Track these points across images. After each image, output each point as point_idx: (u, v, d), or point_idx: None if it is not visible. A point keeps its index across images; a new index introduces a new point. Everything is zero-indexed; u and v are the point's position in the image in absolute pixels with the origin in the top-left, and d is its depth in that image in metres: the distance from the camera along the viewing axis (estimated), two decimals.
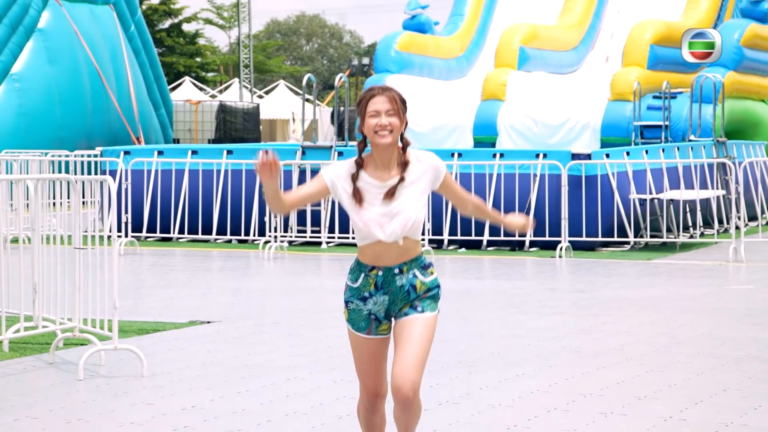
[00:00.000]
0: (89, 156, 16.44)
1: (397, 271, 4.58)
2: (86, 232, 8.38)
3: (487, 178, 15.19)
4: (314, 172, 15.78)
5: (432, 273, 4.64)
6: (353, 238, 15.35)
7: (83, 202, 9.12)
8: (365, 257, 4.60)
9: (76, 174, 14.70)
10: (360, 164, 4.55)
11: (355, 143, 21.12)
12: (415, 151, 4.62)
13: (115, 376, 7.27)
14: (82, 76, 25.14)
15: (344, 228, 15.46)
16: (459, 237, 15.17)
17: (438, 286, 4.66)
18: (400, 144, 4.61)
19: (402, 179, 4.54)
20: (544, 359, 7.87)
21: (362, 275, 4.60)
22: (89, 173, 15.13)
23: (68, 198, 8.57)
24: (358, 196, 4.52)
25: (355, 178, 4.53)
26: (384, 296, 4.59)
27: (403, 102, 4.61)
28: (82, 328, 7.84)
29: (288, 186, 15.79)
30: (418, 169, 4.58)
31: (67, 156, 16.38)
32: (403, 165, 4.55)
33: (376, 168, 4.56)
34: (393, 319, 4.66)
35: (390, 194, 4.51)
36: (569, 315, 10.07)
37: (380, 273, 4.57)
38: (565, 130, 19.55)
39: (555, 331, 9.07)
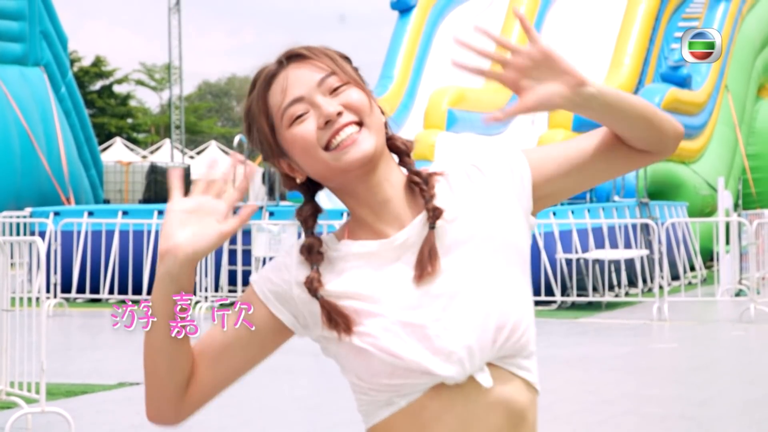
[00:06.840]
0: (18, 217, 16.32)
1: None
2: (14, 293, 8.33)
3: None
4: (246, 232, 15.79)
5: None
6: None
7: (11, 264, 9.07)
8: None
9: (4, 235, 14.57)
10: (316, 249, 1.91)
11: (287, 204, 20.99)
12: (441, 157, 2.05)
13: None
14: (11, 136, 24.95)
15: None
16: None
17: None
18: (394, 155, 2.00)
19: (434, 213, 1.88)
20: None
21: None
22: (18, 234, 15.01)
23: None
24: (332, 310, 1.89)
25: (313, 288, 1.89)
26: None
27: (346, 58, 2.04)
28: (8, 391, 7.76)
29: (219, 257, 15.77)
30: (473, 184, 1.96)
31: None
32: (424, 185, 1.93)
33: (362, 228, 1.94)
34: None
35: (428, 259, 1.86)
36: None
37: None
38: None
39: None
